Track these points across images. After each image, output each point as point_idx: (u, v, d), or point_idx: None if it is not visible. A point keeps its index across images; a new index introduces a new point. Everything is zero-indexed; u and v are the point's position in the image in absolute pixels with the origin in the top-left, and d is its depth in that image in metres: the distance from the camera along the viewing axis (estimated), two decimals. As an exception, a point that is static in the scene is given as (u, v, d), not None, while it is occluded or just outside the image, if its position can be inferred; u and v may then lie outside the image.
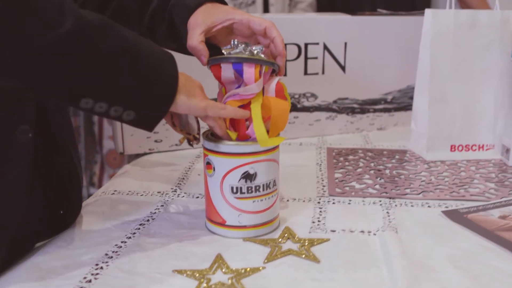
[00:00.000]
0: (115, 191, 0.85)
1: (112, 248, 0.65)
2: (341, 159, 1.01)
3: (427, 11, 0.99)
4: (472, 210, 0.76)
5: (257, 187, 0.66)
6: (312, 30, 1.14)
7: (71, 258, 0.62)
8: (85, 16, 0.52)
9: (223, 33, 0.72)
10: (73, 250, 0.65)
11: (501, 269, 0.60)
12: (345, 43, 1.17)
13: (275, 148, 0.68)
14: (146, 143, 1.07)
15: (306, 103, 1.17)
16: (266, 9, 2.06)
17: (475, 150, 1.02)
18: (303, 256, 0.63)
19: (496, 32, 0.99)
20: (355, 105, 1.22)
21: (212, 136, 0.68)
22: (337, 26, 1.16)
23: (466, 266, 0.61)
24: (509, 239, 0.66)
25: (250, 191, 0.66)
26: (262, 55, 0.68)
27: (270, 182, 0.67)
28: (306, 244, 0.66)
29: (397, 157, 1.03)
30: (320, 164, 0.99)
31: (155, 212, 0.76)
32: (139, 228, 0.71)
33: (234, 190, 0.66)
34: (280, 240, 0.67)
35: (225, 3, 0.74)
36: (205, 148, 0.67)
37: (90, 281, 0.57)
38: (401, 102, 1.26)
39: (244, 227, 0.67)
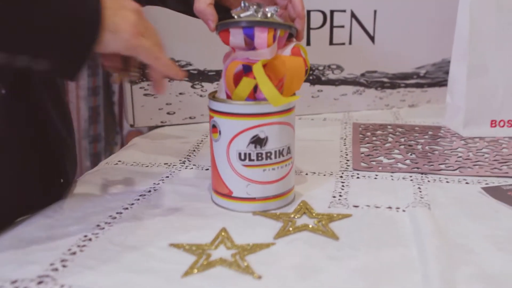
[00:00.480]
0: (119, 161, 0.79)
1: (106, 219, 0.58)
2: (368, 134, 0.92)
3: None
4: (517, 187, 0.66)
5: (268, 154, 0.58)
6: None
7: (58, 228, 0.55)
8: None
9: None
10: (61, 220, 0.58)
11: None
12: (375, 11, 1.07)
13: (290, 110, 0.59)
14: (158, 115, 1.00)
15: (331, 76, 1.08)
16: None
17: (519, 126, 0.92)
18: (320, 232, 0.54)
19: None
20: (385, 79, 1.12)
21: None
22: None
23: (511, 248, 0.51)
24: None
25: (260, 158, 0.58)
26: (277, 18, 0.59)
27: (283, 149, 0.59)
28: (325, 219, 0.57)
29: (430, 133, 0.93)
30: (345, 139, 0.90)
31: (158, 183, 0.69)
32: (138, 199, 0.64)
33: (242, 157, 0.58)
34: (294, 215, 0.59)
35: None
36: (210, 109, 0.60)
37: (74, 253, 0.50)
38: (436, 77, 1.16)
39: (254, 199, 0.59)
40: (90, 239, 0.53)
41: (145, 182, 0.70)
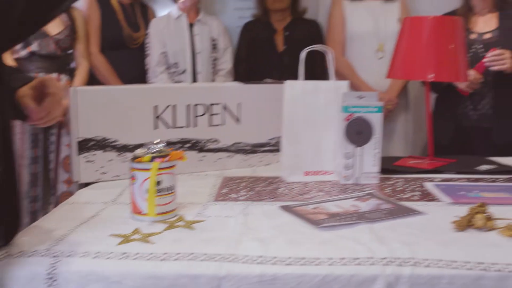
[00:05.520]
0: (74, 201, 1.29)
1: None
2: (231, 182, 1.48)
3: (286, 82, 1.50)
4: (298, 205, 1.23)
5: (161, 189, 1.11)
6: (214, 94, 1.62)
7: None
8: None
9: None
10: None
11: (299, 229, 1.07)
12: (239, 103, 1.66)
13: (173, 166, 1.14)
14: (95, 174, 1.50)
15: (211, 146, 1.64)
16: (195, 76, 2.57)
17: (322, 174, 1.51)
18: (187, 227, 1.08)
19: (333, 95, 1.51)
20: (248, 147, 1.70)
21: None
22: (233, 91, 1.66)
23: (280, 228, 1.07)
24: (308, 217, 1.13)
25: (158, 191, 1.11)
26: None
27: (170, 186, 1.13)
28: (190, 222, 1.11)
29: (269, 180, 1.50)
30: (215, 185, 1.45)
31: (100, 210, 1.20)
32: (93, 216, 1.14)
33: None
34: (175, 221, 1.12)
35: None
36: (131, 167, 1.13)
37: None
38: (283, 145, 1.75)
39: (156, 214, 1.12)
40: (67, 235, 1.03)
41: (90, 208, 1.20)
